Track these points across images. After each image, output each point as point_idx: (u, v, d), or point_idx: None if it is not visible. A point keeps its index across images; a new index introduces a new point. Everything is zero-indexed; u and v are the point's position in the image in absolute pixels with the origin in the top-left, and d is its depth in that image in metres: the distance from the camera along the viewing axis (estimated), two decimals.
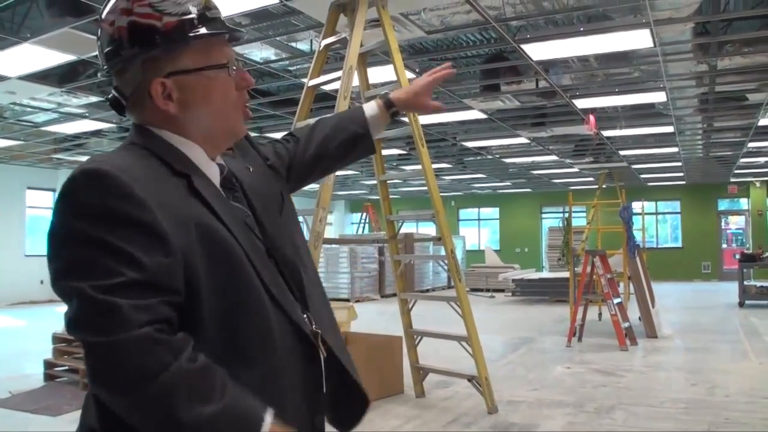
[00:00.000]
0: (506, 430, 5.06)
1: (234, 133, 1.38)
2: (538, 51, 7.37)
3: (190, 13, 1.27)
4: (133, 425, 1.09)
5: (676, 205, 23.55)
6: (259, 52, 7.55)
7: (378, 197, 6.56)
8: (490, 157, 15.80)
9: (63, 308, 1.12)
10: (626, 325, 8.73)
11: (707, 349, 8.40)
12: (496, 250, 22.49)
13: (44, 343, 7.25)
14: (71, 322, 1.09)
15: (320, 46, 5.53)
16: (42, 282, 13.99)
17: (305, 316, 1.33)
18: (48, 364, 6.87)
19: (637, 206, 19.44)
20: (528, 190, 24.80)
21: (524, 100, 10.04)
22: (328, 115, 1.85)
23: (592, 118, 10.41)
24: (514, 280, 16.27)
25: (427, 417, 5.46)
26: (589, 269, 9.17)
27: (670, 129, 12.11)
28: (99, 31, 1.30)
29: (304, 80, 5.84)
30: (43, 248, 1.18)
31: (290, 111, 9.69)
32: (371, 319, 10.94)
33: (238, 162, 1.46)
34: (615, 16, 6.54)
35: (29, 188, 16.59)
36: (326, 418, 1.42)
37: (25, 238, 16.26)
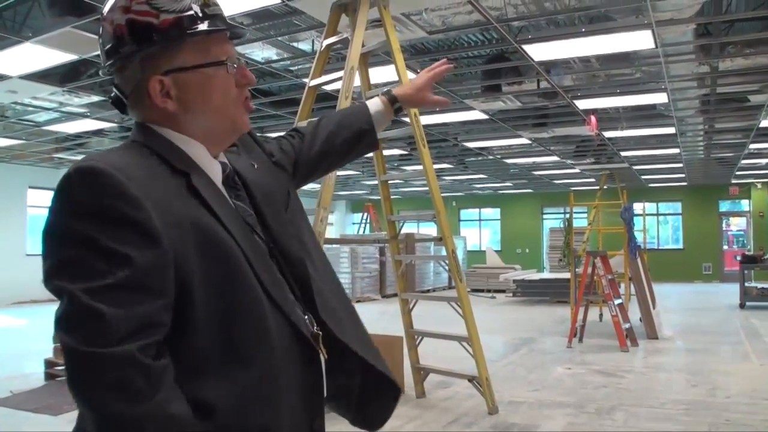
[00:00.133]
0: (507, 430, 5.06)
1: (236, 127, 1.36)
2: (539, 51, 7.37)
3: (187, 10, 1.26)
4: None
5: (677, 206, 23.54)
6: (260, 52, 7.55)
7: (379, 197, 6.56)
8: (491, 157, 15.80)
9: None
10: (627, 326, 8.73)
11: (708, 351, 8.40)
12: (497, 251, 22.49)
13: (45, 342, 7.25)
14: (56, 322, 1.08)
15: (322, 46, 5.53)
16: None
17: (306, 316, 1.31)
18: (49, 363, 6.88)
19: (638, 207, 19.41)
20: (529, 190, 24.79)
21: (526, 101, 10.04)
22: (332, 112, 1.85)
23: (593, 118, 10.41)
24: (515, 281, 16.26)
25: (428, 417, 5.47)
26: (590, 270, 9.17)
27: (671, 130, 12.11)
28: (100, 28, 1.31)
29: (306, 80, 5.84)
30: None
31: (292, 111, 9.69)
32: (372, 319, 10.94)
33: (242, 159, 1.44)
34: (617, 17, 6.54)
35: (30, 187, 16.59)
36: (351, 420, 1.40)
37: (26, 237, 16.28)
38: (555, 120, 11.60)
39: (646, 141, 13.54)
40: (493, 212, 26.67)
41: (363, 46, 5.32)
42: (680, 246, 23.19)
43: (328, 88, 6.25)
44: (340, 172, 16.52)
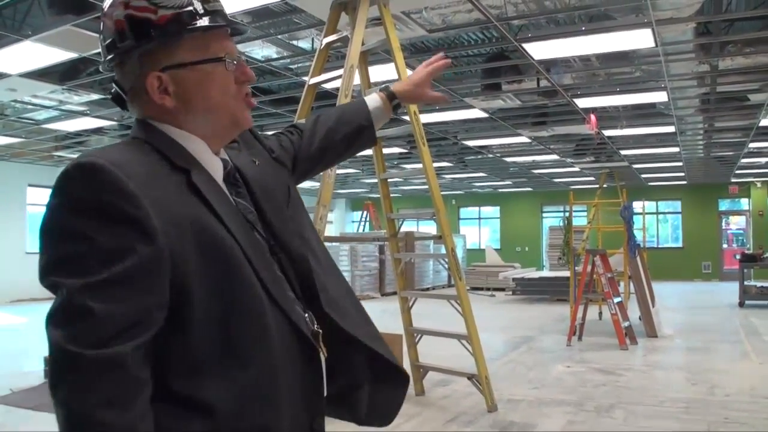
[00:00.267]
0: (506, 428, 5.06)
1: (237, 122, 1.35)
2: (539, 50, 7.37)
3: (186, 6, 1.26)
4: None
5: (676, 205, 23.54)
6: (260, 50, 7.55)
7: (379, 196, 6.56)
8: (491, 156, 15.80)
9: None
10: (626, 324, 8.74)
11: (707, 349, 8.40)
12: (496, 249, 22.50)
13: (44, 340, 7.22)
14: (47, 316, 1.08)
15: (321, 45, 5.53)
16: None
17: (306, 314, 1.31)
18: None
19: (637, 206, 19.43)
20: (529, 189, 24.79)
21: (525, 99, 10.04)
22: (330, 108, 1.85)
23: (593, 117, 10.41)
24: (514, 279, 16.27)
25: (427, 415, 5.47)
26: (589, 268, 9.17)
27: (671, 129, 12.11)
28: (101, 24, 1.31)
29: (305, 78, 5.84)
30: None
31: (291, 109, 9.69)
32: (372, 317, 10.80)
33: (243, 156, 1.44)
34: (617, 16, 6.54)
35: (30, 185, 16.58)
36: (361, 419, 1.40)
37: (26, 235, 16.27)
38: (555, 118, 11.60)
39: (645, 140, 13.54)
40: (492, 210, 26.67)
41: (363, 44, 5.31)
42: (680, 245, 23.20)
43: (327, 86, 6.25)
44: (339, 170, 16.52)
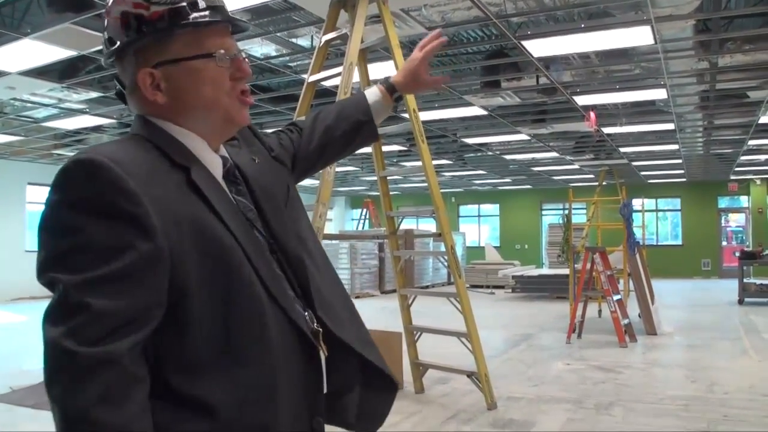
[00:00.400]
0: (505, 426, 5.07)
1: (231, 120, 1.33)
2: (538, 47, 7.37)
3: (179, 2, 1.25)
4: None
5: (676, 203, 23.55)
6: (259, 48, 7.55)
7: (378, 193, 6.56)
8: (490, 153, 15.80)
9: None
10: (626, 322, 8.74)
11: (707, 347, 8.41)
12: (496, 247, 22.51)
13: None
14: (44, 313, 1.08)
15: (321, 42, 5.52)
16: None
17: (306, 313, 1.31)
18: None
19: (637, 203, 19.45)
20: (528, 186, 24.80)
21: (525, 97, 10.04)
22: (330, 104, 1.83)
23: (592, 114, 10.40)
24: (514, 277, 16.28)
25: (427, 413, 5.47)
26: (589, 266, 9.17)
27: (670, 126, 12.11)
28: (104, 21, 1.31)
29: (305, 76, 5.83)
30: None
31: (290, 107, 9.68)
32: (371, 315, 10.94)
33: (243, 154, 1.43)
34: (616, 13, 6.54)
35: (29, 184, 16.58)
36: (351, 423, 1.39)
37: (26, 233, 16.26)
38: (554, 116, 11.59)
39: (645, 137, 13.53)
40: (492, 208, 26.68)
41: (362, 42, 5.31)
42: (679, 242, 23.20)
43: (327, 84, 6.24)
44: (339, 168, 16.54)
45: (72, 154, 15.08)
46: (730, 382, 6.34)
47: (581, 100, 10.02)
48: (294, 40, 7.41)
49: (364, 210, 23.64)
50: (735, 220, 23.37)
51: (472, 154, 16.34)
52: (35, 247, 1.14)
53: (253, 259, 1.22)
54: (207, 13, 1.27)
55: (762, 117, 10.94)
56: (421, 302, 6.81)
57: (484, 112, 10.90)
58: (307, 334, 1.27)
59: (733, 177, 20.66)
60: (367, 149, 7.51)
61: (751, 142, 13.81)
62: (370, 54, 6.13)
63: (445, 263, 6.40)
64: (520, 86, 9.31)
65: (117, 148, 1.19)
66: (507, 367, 7.26)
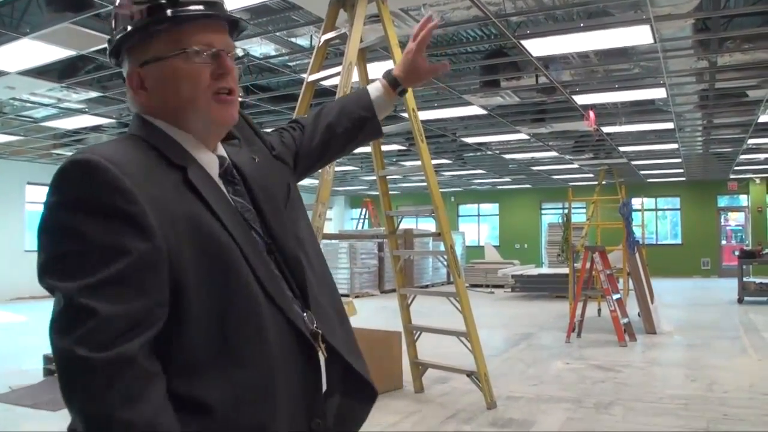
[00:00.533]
0: (505, 425, 5.07)
1: (211, 121, 1.29)
2: (538, 47, 7.37)
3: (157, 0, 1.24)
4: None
5: (675, 202, 23.56)
6: (258, 48, 7.54)
7: (377, 193, 6.56)
8: (489, 153, 15.80)
9: None
10: (625, 321, 8.74)
11: (706, 346, 8.41)
12: (495, 246, 22.50)
13: (44, 338, 7.10)
14: (50, 323, 1.08)
15: (320, 42, 5.52)
16: None
17: (305, 314, 1.30)
18: (48, 359, 6.87)
19: (636, 202, 19.44)
20: (528, 186, 24.80)
21: (524, 96, 10.04)
22: (332, 101, 1.81)
23: (591, 114, 10.40)
24: (513, 276, 16.29)
25: (426, 412, 5.47)
26: (588, 265, 9.17)
27: (669, 125, 12.11)
28: None
29: (304, 76, 5.83)
30: None
31: (290, 106, 9.68)
32: (370, 314, 10.96)
33: (243, 153, 1.42)
34: (615, 12, 6.54)
35: (29, 183, 16.59)
36: (325, 429, 1.36)
37: (25, 233, 16.26)
38: (553, 115, 11.59)
39: (644, 136, 13.54)
40: (491, 207, 26.67)
41: (361, 41, 5.31)
42: (679, 241, 23.20)
43: (326, 83, 6.24)
44: (338, 168, 16.52)
45: (71, 153, 15.24)
46: (730, 381, 6.35)
47: (580, 100, 10.02)
48: (293, 39, 7.40)
49: (364, 209, 23.63)
50: (734, 219, 23.37)
51: (471, 154, 16.33)
52: (35, 247, 1.13)
53: (250, 259, 1.22)
54: (192, 9, 1.25)
55: (761, 116, 10.94)
56: (420, 302, 6.82)
57: (484, 112, 10.90)
58: (306, 335, 1.27)
59: (732, 176, 20.66)
60: (367, 148, 7.52)
61: (751, 141, 13.81)
62: (369, 53, 6.13)
63: (445, 263, 6.40)
64: (520, 85, 9.31)
65: (113, 148, 1.19)
66: (506, 367, 7.26)
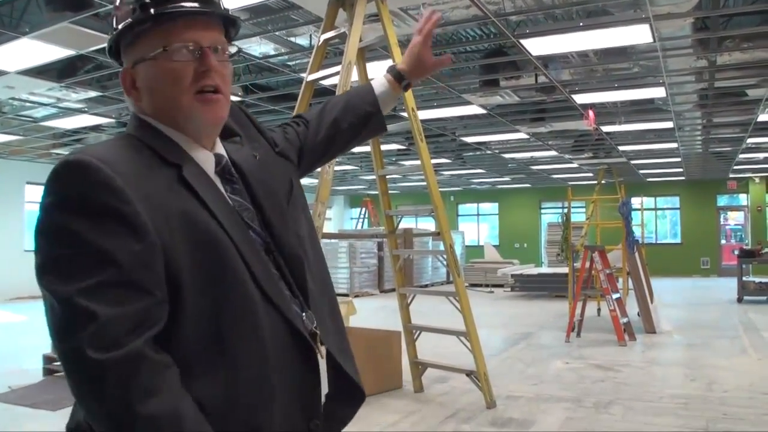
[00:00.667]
0: (505, 425, 5.07)
1: (195, 120, 1.27)
2: (537, 46, 7.36)
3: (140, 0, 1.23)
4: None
5: (675, 201, 23.56)
6: (258, 47, 7.54)
7: (377, 192, 6.56)
8: (489, 152, 15.80)
9: None
10: (625, 320, 8.74)
11: (706, 345, 8.41)
12: (495, 246, 22.48)
13: (43, 337, 7.18)
14: (51, 329, 1.08)
15: (319, 41, 5.52)
16: None
17: (304, 314, 1.29)
18: (47, 359, 6.87)
19: (636, 202, 19.44)
20: (527, 185, 24.80)
21: (523, 96, 10.04)
22: (336, 96, 1.81)
23: (591, 113, 10.41)
24: (513, 276, 16.28)
25: (426, 412, 5.47)
26: (588, 265, 9.17)
27: (669, 125, 12.11)
28: None
29: (303, 75, 5.83)
30: None
31: (289, 106, 9.68)
32: (370, 314, 10.96)
33: (244, 150, 1.41)
34: (614, 11, 6.54)
35: (28, 183, 16.58)
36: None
37: (24, 233, 16.24)
38: (553, 114, 11.59)
39: (644, 135, 13.53)
40: (491, 207, 26.66)
41: (360, 40, 5.31)
42: (678, 240, 23.20)
43: (325, 82, 6.23)
44: (337, 167, 16.52)
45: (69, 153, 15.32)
46: (730, 381, 6.35)
47: (580, 99, 10.02)
48: (293, 39, 7.40)
49: (363, 209, 23.62)
50: (734, 219, 23.36)
51: (471, 153, 16.33)
52: (34, 247, 1.13)
53: (246, 258, 1.21)
54: (177, 6, 1.24)
55: (761, 115, 10.94)
56: (420, 301, 6.82)
57: (483, 111, 10.90)
58: (304, 334, 1.26)
59: (732, 175, 20.67)
60: (366, 147, 7.52)
61: (750, 140, 13.81)
62: (368, 53, 6.13)
63: (444, 262, 6.40)
64: (519, 85, 9.31)
65: (106, 148, 1.19)
66: (506, 366, 7.26)
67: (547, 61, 8.12)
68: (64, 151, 14.96)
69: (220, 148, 1.35)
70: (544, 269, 17.49)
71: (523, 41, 7.16)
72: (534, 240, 24.50)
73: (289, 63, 8.24)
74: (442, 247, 5.79)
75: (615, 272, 10.15)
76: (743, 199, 22.52)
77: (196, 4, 1.25)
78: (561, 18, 6.87)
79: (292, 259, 1.33)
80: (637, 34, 6.89)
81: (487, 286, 17.68)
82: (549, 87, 9.31)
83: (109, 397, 1.03)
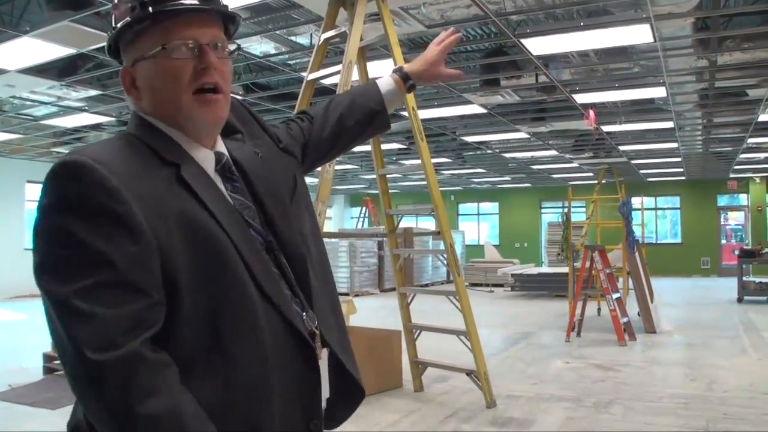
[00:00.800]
0: (505, 424, 5.07)
1: (195, 120, 1.26)
2: (538, 46, 7.36)
3: None
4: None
5: (675, 201, 23.55)
6: (258, 46, 7.53)
7: (377, 191, 6.56)
8: (489, 151, 15.79)
9: None
10: (625, 320, 8.74)
11: (706, 345, 8.41)
12: (495, 245, 22.48)
13: (43, 336, 7.19)
14: (51, 328, 1.08)
15: (320, 40, 5.52)
16: None
17: (305, 313, 1.29)
18: (47, 357, 6.88)
19: (636, 202, 19.44)
20: (527, 185, 24.79)
21: (524, 95, 10.03)
22: (340, 94, 1.81)
23: (591, 113, 10.40)
24: (513, 275, 16.28)
25: (426, 411, 5.47)
26: (588, 264, 9.17)
27: (669, 124, 12.10)
28: None
29: (304, 74, 5.83)
30: None
31: (290, 105, 9.68)
32: (370, 313, 10.96)
33: (246, 148, 1.40)
34: (615, 11, 6.53)
35: (29, 182, 16.57)
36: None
37: (24, 231, 16.22)
38: (553, 114, 11.58)
39: (644, 135, 13.53)
40: (491, 206, 26.66)
41: (361, 40, 5.31)
42: (678, 240, 23.20)
43: (326, 82, 6.24)
44: (338, 166, 16.51)
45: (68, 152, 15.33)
46: (730, 381, 6.35)
47: (580, 99, 10.01)
48: (293, 38, 7.40)
49: (364, 208, 23.63)
50: (734, 219, 23.35)
51: (471, 153, 16.32)
52: (32, 247, 1.13)
53: (246, 257, 1.20)
54: (176, 4, 1.23)
55: (761, 115, 10.93)
56: (420, 300, 6.82)
57: (484, 111, 10.89)
58: (304, 334, 1.25)
59: (732, 175, 20.66)
60: (367, 147, 7.51)
61: (750, 140, 13.80)
62: (369, 52, 6.13)
63: (445, 261, 6.40)
64: (520, 84, 9.30)
65: (103, 148, 1.19)
66: (506, 366, 7.26)
67: (548, 60, 8.12)
68: (64, 150, 14.96)
69: (221, 146, 1.34)
70: (545, 269, 17.49)
71: (524, 41, 7.16)
72: (534, 239, 24.49)
73: (289, 62, 8.24)
74: (442, 247, 5.79)
75: (615, 272, 10.15)
76: (743, 199, 22.51)
77: (194, 2, 1.24)
78: (562, 18, 6.87)
79: (294, 257, 1.33)
80: (638, 34, 6.89)
81: (487, 285, 17.68)
82: (549, 86, 9.31)
83: (109, 397, 1.03)
